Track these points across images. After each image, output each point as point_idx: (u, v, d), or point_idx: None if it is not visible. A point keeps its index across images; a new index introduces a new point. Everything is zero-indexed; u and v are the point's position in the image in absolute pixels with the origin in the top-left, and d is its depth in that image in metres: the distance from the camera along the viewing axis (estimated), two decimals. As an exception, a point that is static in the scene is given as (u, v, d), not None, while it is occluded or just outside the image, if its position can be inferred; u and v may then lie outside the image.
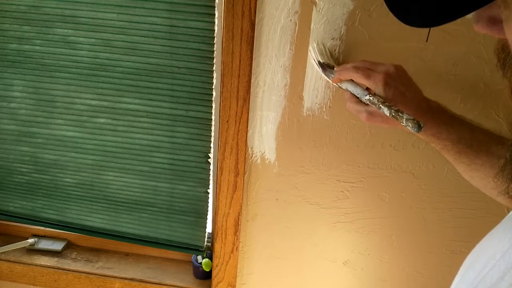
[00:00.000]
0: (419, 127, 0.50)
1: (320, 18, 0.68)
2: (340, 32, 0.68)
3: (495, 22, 0.28)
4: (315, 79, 0.72)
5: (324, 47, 0.69)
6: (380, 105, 0.54)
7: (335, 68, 0.64)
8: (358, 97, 0.59)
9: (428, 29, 0.65)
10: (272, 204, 0.85)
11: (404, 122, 0.51)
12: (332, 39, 0.69)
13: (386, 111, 0.53)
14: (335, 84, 0.66)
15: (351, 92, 0.61)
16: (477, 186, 0.58)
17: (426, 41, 0.66)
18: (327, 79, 0.67)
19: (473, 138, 0.55)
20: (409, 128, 0.51)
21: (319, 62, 0.68)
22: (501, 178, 0.34)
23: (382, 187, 0.79)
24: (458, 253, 0.83)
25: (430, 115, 0.56)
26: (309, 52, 0.71)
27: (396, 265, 0.87)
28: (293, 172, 0.81)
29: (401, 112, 0.52)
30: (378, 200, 0.81)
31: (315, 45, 0.69)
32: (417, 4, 0.29)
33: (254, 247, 0.90)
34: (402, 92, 0.56)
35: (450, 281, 0.39)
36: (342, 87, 0.63)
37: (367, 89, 0.59)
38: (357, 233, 0.84)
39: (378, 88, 0.56)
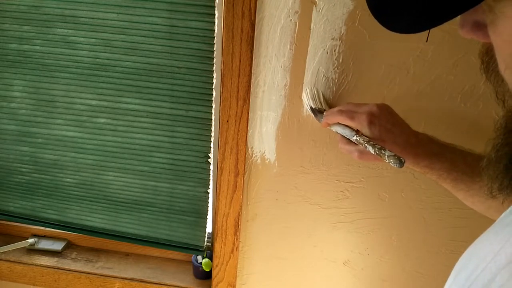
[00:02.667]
0: (400, 163, 0.51)
1: (320, 18, 0.68)
2: (340, 32, 0.68)
3: (480, 27, 0.29)
4: (315, 79, 0.72)
5: (318, 92, 0.71)
6: (366, 144, 0.56)
7: (324, 113, 0.67)
8: (348, 135, 0.61)
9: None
10: (272, 204, 0.85)
11: (386, 159, 0.52)
12: (332, 39, 0.69)
13: (371, 150, 0.55)
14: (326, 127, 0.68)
15: (342, 134, 0.63)
16: (479, 211, 0.58)
17: (426, 41, 0.66)
18: (319, 122, 0.69)
19: (466, 165, 0.56)
20: (391, 164, 0.52)
21: (311, 107, 0.71)
22: (484, 178, 0.35)
23: (382, 187, 0.79)
24: (458, 253, 0.82)
25: (420, 147, 0.57)
26: (302, 98, 0.73)
27: (396, 265, 0.87)
28: (293, 172, 0.81)
29: (383, 150, 0.53)
30: (378, 200, 0.81)
31: (308, 90, 0.72)
32: (402, 10, 0.29)
33: (254, 247, 0.90)
34: (389, 129, 0.57)
35: (450, 281, 0.39)
36: (333, 130, 0.66)
37: (357, 130, 0.60)
38: (357, 233, 0.84)
39: (364, 128, 0.58)
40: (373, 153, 0.55)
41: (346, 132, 0.61)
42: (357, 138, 0.58)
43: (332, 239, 0.86)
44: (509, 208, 0.34)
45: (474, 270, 0.31)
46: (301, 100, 0.74)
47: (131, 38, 0.78)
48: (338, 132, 0.63)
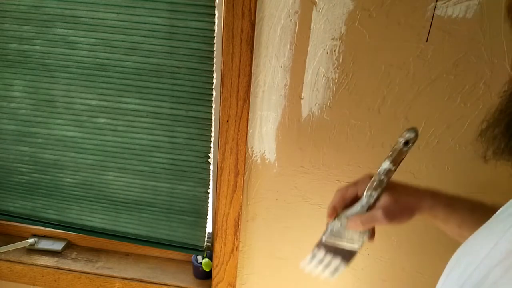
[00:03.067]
0: (413, 129, 0.49)
1: (320, 18, 0.68)
2: (340, 32, 0.68)
3: None
4: (315, 79, 0.72)
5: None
6: (376, 186, 0.53)
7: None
8: (360, 210, 0.55)
9: (428, 29, 0.65)
10: (272, 204, 0.85)
11: (402, 139, 0.50)
12: (332, 39, 0.69)
13: (387, 165, 0.53)
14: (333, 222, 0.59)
15: (354, 214, 0.56)
16: None
17: (426, 41, 0.66)
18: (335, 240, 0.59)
19: (483, 207, 0.54)
20: (405, 138, 0.49)
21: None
22: (480, 141, 0.35)
23: (382, 187, 0.79)
24: (458, 253, 0.83)
25: (434, 193, 0.54)
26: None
27: (396, 265, 0.87)
28: (293, 172, 0.81)
29: (393, 148, 0.51)
30: (378, 200, 0.80)
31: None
32: None
33: (254, 247, 0.90)
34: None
35: (450, 281, 0.39)
36: (341, 219, 0.57)
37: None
38: (357, 233, 0.84)
39: (366, 182, 0.54)
40: (389, 167, 0.52)
41: (356, 206, 0.55)
42: (367, 193, 0.54)
43: (332, 239, 0.86)
44: (506, 204, 0.33)
45: (467, 267, 0.31)
46: (301, 100, 0.74)
47: (131, 38, 0.78)
48: (348, 214, 0.56)
